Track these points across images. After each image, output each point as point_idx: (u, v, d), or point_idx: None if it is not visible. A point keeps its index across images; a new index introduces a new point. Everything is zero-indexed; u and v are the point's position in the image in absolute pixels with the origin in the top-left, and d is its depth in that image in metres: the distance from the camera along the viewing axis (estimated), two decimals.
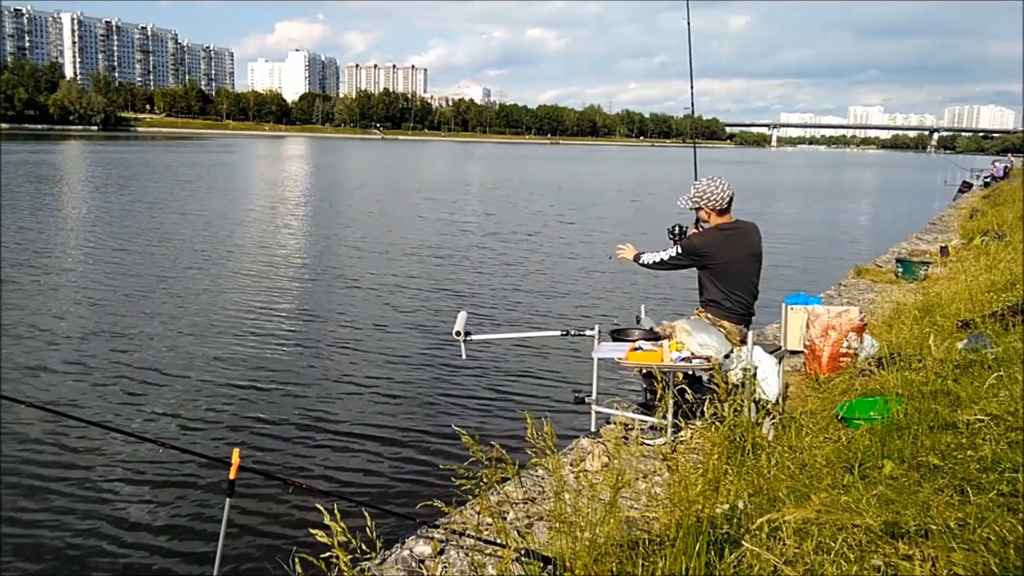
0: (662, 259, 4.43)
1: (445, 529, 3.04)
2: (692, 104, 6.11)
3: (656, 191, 37.95)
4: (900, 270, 9.73)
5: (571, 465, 3.88)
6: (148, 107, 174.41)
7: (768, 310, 7.12)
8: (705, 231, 4.37)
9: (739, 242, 4.32)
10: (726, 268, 4.27)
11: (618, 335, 4.50)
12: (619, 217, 24.52)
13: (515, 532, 2.79)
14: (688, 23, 5.69)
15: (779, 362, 4.22)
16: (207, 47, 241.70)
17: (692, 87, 6.00)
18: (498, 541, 2.67)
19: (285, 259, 14.69)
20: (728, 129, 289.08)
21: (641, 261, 4.55)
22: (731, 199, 4.35)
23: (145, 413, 6.46)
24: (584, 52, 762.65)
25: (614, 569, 2.33)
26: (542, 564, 2.49)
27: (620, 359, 4.09)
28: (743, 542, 2.13)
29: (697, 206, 4.39)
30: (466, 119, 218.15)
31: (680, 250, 4.34)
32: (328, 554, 2.21)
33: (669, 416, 3.91)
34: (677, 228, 4.63)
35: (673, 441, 3.93)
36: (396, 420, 6.43)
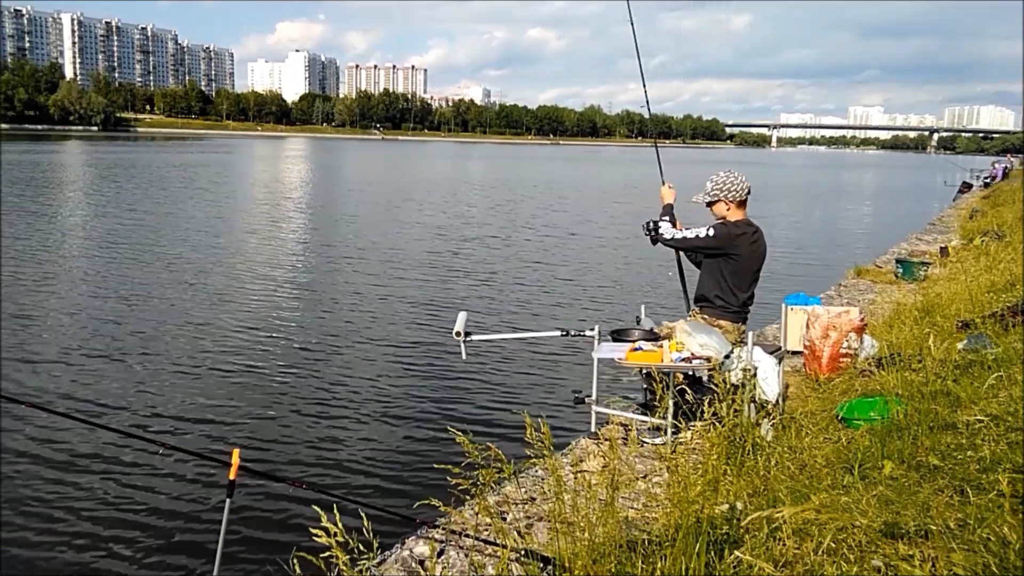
0: (685, 236, 4.26)
1: (445, 529, 3.03)
2: (647, 102, 5.85)
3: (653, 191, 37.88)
4: (900, 271, 9.73)
5: (571, 465, 3.88)
6: (148, 107, 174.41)
7: (768, 310, 7.14)
8: (737, 223, 4.24)
9: (758, 245, 4.30)
10: (743, 265, 4.23)
11: (618, 335, 4.49)
12: (616, 217, 24.51)
13: (515, 532, 2.78)
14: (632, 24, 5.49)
15: (779, 362, 4.22)
16: (207, 47, 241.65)
17: (644, 83, 5.77)
18: (497, 541, 2.67)
19: (285, 261, 14.70)
20: (728, 129, 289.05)
21: (662, 234, 4.36)
22: (749, 191, 4.30)
23: (145, 413, 6.46)
24: (584, 52, 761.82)
25: (613, 569, 2.33)
26: (541, 564, 2.48)
27: (620, 359, 4.08)
28: (742, 553, 2.12)
29: (716, 199, 4.28)
30: (466, 119, 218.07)
31: (713, 232, 4.19)
32: (327, 554, 2.21)
33: (669, 416, 3.90)
34: (652, 223, 4.49)
35: (673, 441, 3.93)
36: (396, 420, 6.43)
